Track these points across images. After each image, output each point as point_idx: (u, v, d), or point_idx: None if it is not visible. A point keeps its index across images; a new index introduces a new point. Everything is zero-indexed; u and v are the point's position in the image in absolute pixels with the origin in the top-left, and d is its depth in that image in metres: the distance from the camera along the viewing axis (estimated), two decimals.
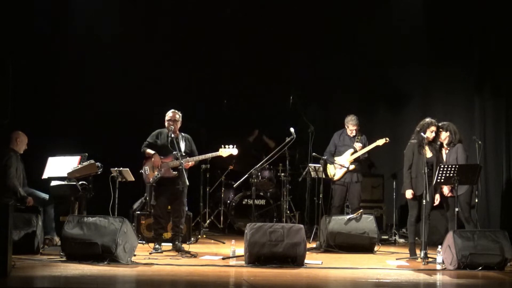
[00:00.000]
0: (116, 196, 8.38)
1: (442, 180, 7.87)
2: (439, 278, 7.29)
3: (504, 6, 9.87)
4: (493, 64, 10.20)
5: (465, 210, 8.48)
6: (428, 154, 8.14)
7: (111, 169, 8.50)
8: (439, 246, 7.91)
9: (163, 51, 10.80)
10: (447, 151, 8.53)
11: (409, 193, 8.12)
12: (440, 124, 8.43)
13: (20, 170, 8.59)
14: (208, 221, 10.48)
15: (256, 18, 10.83)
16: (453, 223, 7.98)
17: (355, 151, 9.36)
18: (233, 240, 8.22)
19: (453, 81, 10.71)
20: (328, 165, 9.36)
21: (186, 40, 10.87)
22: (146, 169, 8.38)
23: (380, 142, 9.27)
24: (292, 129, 8.28)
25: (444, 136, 8.51)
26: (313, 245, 8.97)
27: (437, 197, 8.23)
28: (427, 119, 8.23)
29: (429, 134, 8.15)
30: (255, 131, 11.22)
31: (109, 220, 7.48)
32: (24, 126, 8.89)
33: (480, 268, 7.40)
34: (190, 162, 8.31)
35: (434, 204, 8.21)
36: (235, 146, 8.41)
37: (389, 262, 8.06)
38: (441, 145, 8.50)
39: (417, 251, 8.22)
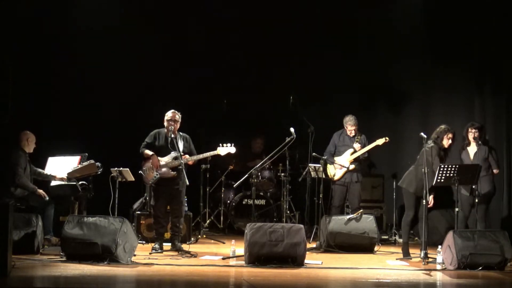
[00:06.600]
0: (116, 196, 8.37)
1: (442, 180, 7.88)
2: (439, 278, 7.29)
3: (504, 6, 9.87)
4: (493, 64, 10.20)
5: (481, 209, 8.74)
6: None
7: (111, 169, 8.48)
8: (439, 246, 7.91)
9: (163, 52, 10.79)
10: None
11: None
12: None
13: (27, 170, 8.58)
14: (208, 221, 10.47)
15: (256, 18, 10.83)
16: (482, 223, 8.44)
17: (355, 151, 9.36)
18: (233, 240, 8.22)
19: (453, 81, 10.70)
20: (328, 165, 9.36)
21: (186, 41, 10.87)
22: (144, 170, 8.39)
23: (380, 141, 9.27)
24: (292, 129, 8.28)
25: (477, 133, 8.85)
26: (313, 245, 8.97)
27: (431, 198, 8.14)
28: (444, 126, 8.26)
29: (446, 141, 8.15)
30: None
31: (109, 220, 7.49)
32: (24, 126, 8.89)
33: (480, 268, 7.41)
34: (189, 161, 8.32)
35: (429, 206, 8.11)
36: (233, 144, 8.42)
37: (389, 262, 8.06)
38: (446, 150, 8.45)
39: (413, 251, 8.24)
